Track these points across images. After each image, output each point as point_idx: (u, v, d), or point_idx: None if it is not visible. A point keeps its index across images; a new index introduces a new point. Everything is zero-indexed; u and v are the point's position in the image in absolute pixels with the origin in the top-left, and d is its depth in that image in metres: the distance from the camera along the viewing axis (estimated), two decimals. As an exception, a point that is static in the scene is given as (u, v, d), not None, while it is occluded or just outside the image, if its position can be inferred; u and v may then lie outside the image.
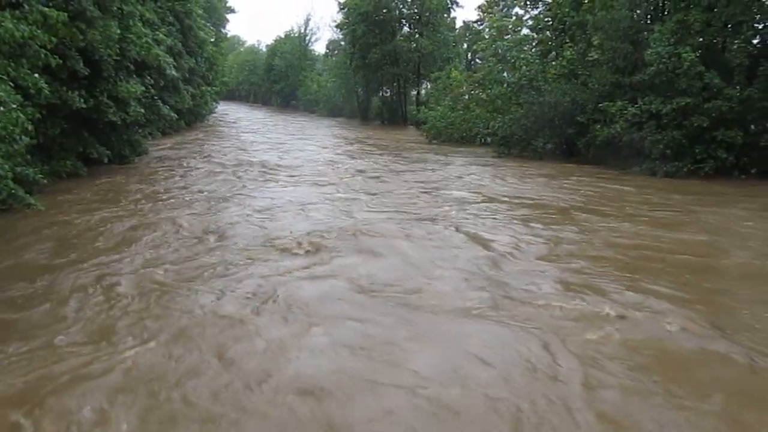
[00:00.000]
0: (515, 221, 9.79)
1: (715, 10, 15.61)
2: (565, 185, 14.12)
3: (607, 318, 5.56)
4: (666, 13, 17.68)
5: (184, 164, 17.15)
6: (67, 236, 8.62)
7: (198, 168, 16.39)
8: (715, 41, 16.35)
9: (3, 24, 6.85)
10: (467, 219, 9.91)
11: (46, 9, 8.06)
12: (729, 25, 15.85)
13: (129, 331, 5.16)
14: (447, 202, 11.59)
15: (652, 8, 18.51)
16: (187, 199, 11.67)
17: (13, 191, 7.39)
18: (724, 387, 4.42)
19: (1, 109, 6.87)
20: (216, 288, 6.32)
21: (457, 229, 9.03)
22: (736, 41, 15.72)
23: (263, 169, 16.01)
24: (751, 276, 7.14)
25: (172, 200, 11.54)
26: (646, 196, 12.51)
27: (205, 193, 12.38)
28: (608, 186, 13.99)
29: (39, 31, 7.71)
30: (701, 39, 16.00)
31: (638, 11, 18.42)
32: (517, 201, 11.82)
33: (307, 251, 7.72)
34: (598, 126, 17.31)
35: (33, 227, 8.93)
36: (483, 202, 11.69)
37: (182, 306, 5.85)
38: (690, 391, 4.32)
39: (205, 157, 19.06)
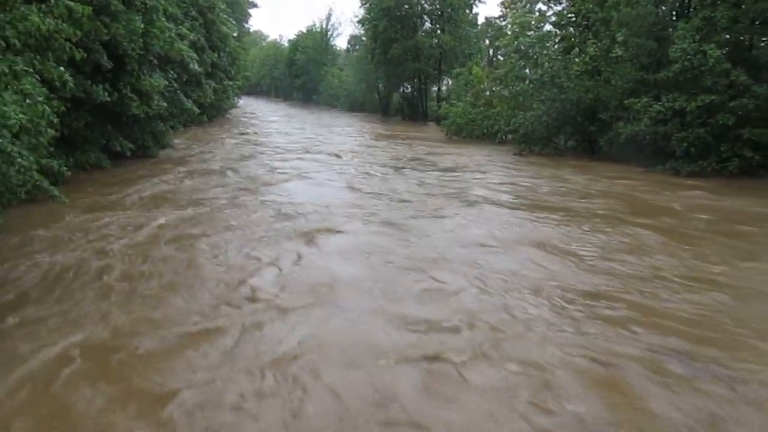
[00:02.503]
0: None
1: (743, 6, 15.29)
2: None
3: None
4: (692, 9, 17.35)
5: (207, 155, 17.46)
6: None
7: (221, 157, 16.59)
8: (742, 38, 16.02)
9: (29, 18, 6.96)
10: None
11: (72, 3, 8.14)
12: (757, 22, 15.53)
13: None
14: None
15: (677, 5, 18.20)
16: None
17: (38, 182, 7.55)
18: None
19: (28, 101, 7.01)
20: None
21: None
22: (764, 38, 15.40)
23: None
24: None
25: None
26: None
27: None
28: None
29: (64, 24, 7.82)
30: (728, 36, 15.69)
31: (663, 8, 18.12)
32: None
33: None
34: (621, 123, 17.08)
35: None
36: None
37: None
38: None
39: (227, 149, 19.25)
